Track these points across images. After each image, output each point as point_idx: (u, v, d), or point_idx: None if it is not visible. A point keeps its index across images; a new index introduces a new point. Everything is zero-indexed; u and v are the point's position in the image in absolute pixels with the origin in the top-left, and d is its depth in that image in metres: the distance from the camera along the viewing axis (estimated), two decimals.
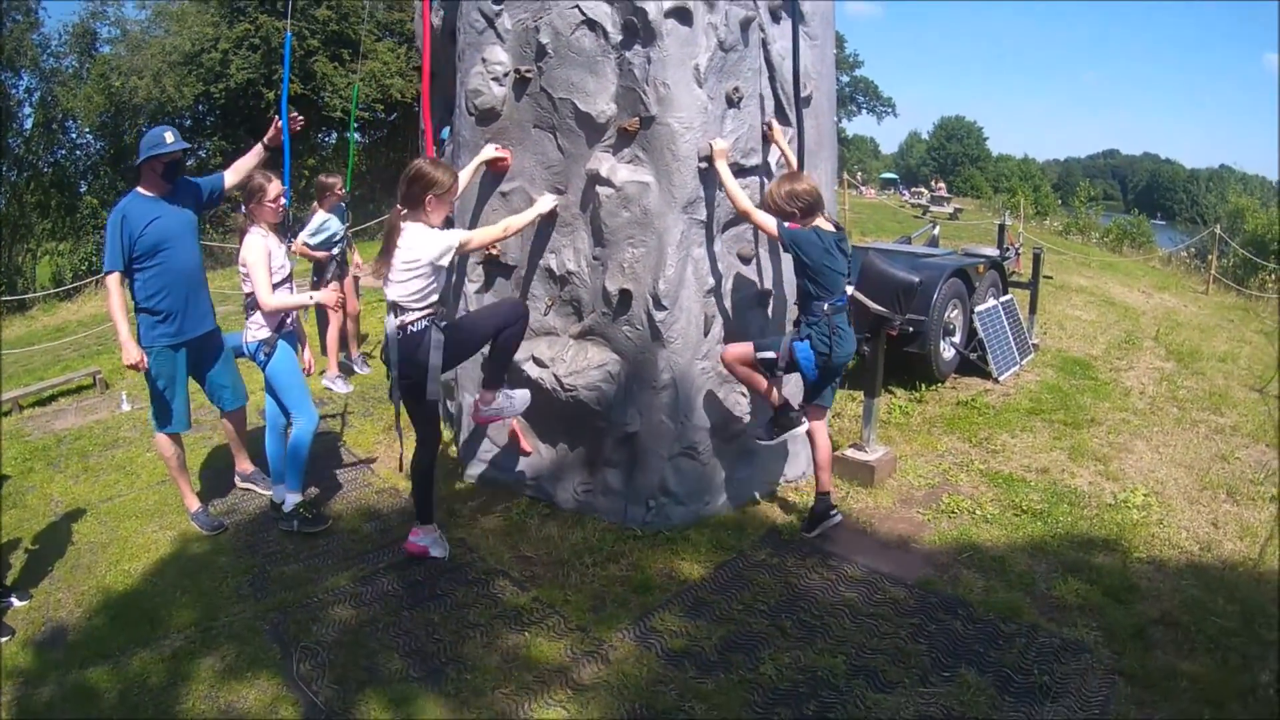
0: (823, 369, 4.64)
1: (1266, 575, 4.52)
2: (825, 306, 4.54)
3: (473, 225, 5.18)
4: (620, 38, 4.58)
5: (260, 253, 4.81)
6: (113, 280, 4.83)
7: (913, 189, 44.24)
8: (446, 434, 5.90)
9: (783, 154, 4.99)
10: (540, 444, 5.30)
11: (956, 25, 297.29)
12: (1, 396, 8.14)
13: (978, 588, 4.31)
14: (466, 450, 5.66)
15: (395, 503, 5.45)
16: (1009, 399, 7.40)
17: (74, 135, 23.28)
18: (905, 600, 4.21)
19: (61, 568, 4.88)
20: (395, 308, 4.25)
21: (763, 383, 4.73)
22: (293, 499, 5.06)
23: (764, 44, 4.92)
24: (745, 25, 4.75)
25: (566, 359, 4.97)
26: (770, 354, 4.64)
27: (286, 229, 6.07)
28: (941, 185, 39.42)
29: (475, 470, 5.60)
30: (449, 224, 4.65)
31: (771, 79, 4.99)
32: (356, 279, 8.35)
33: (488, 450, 5.54)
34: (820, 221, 4.59)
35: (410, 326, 4.23)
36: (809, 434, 4.88)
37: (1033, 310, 9.35)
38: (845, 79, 62.63)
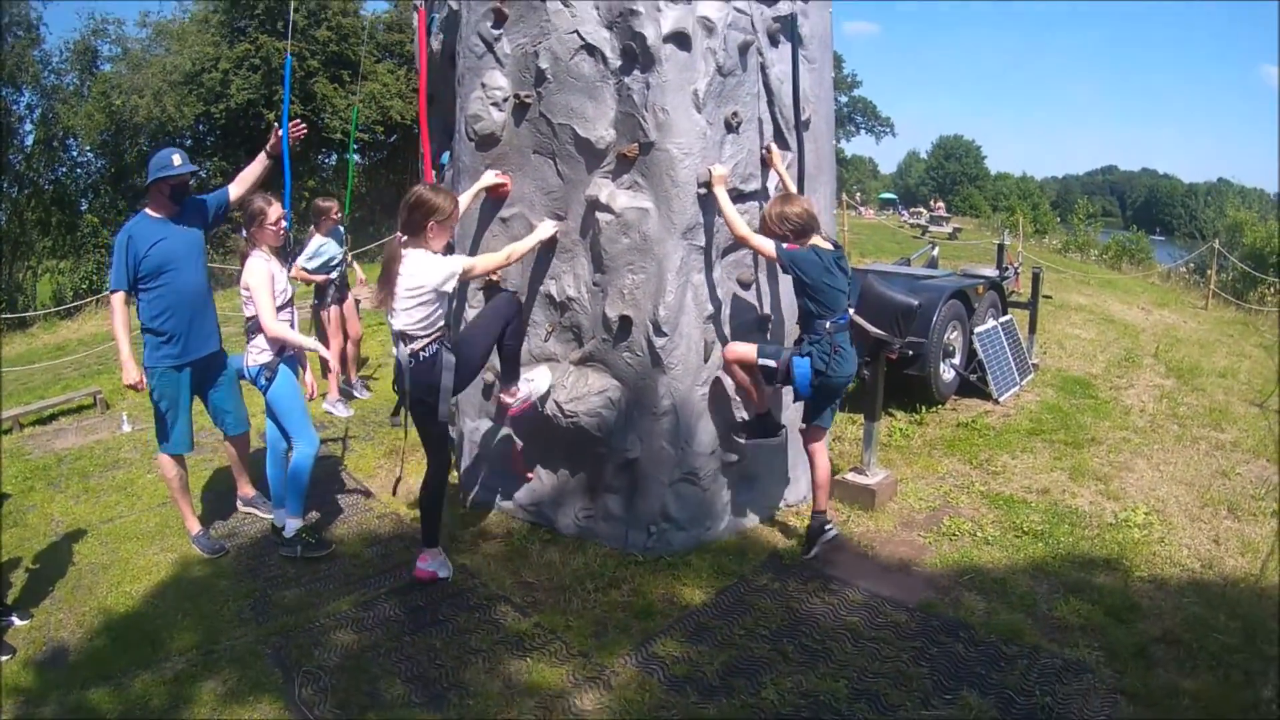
0: (818, 388, 4.66)
1: (1268, 591, 4.53)
2: (827, 324, 4.57)
3: (473, 250, 5.20)
4: (619, 63, 4.61)
5: (264, 277, 4.83)
6: (117, 299, 4.87)
7: (911, 209, 44.27)
8: None
9: (781, 179, 5.01)
10: (541, 469, 5.30)
11: (953, 41, 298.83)
12: (1, 414, 8.15)
13: (979, 610, 4.31)
14: (468, 476, 5.67)
15: (396, 527, 5.44)
16: (1009, 420, 7.41)
17: (75, 153, 23.36)
18: (907, 623, 4.21)
19: (62, 588, 4.87)
20: (403, 337, 4.25)
21: (753, 387, 4.80)
22: (293, 524, 5.06)
23: (762, 68, 4.93)
24: (744, 50, 4.76)
25: (567, 385, 4.97)
26: (771, 362, 4.67)
27: (287, 252, 6.09)
28: (940, 205, 39.46)
29: (477, 496, 5.60)
30: (449, 250, 4.67)
31: (770, 103, 5.01)
32: (357, 302, 8.36)
33: (489, 476, 5.55)
34: (818, 241, 4.61)
35: (422, 353, 4.25)
36: (808, 454, 4.90)
37: (1032, 330, 9.38)
38: (844, 99, 62.82)
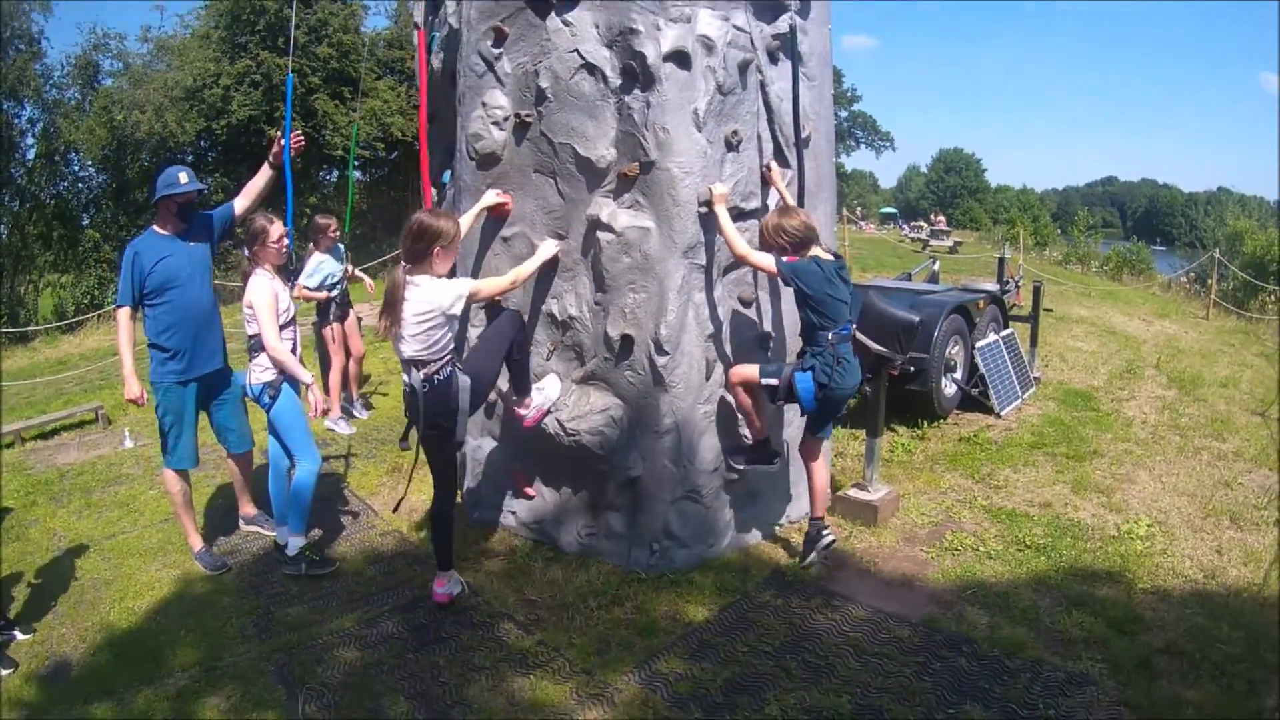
0: (822, 401, 4.66)
1: (1271, 600, 4.54)
2: (830, 336, 4.58)
3: (475, 270, 5.22)
4: (619, 82, 4.62)
5: (267, 295, 4.84)
6: (123, 314, 4.93)
7: (912, 223, 44.28)
8: None
9: (782, 197, 5.02)
10: (544, 487, 5.31)
11: (951, 54, 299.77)
12: (2, 429, 8.17)
13: (982, 624, 4.31)
14: (471, 495, 5.67)
15: (399, 545, 5.45)
16: (1011, 433, 7.42)
17: (76, 168, 23.35)
18: (910, 639, 4.21)
19: (65, 603, 4.89)
20: (415, 364, 4.21)
21: (754, 411, 4.80)
22: (295, 542, 5.07)
23: (762, 86, 4.95)
24: (743, 68, 4.78)
25: (569, 404, 4.97)
26: (773, 380, 4.67)
27: (289, 270, 6.11)
28: (941, 219, 39.54)
29: (479, 514, 5.60)
30: (452, 273, 4.68)
31: (770, 121, 5.02)
32: (359, 319, 8.36)
33: (492, 494, 5.55)
34: (818, 252, 4.63)
35: (436, 376, 4.23)
36: (805, 465, 4.91)
37: (1033, 343, 9.40)
38: (843, 114, 62.94)
